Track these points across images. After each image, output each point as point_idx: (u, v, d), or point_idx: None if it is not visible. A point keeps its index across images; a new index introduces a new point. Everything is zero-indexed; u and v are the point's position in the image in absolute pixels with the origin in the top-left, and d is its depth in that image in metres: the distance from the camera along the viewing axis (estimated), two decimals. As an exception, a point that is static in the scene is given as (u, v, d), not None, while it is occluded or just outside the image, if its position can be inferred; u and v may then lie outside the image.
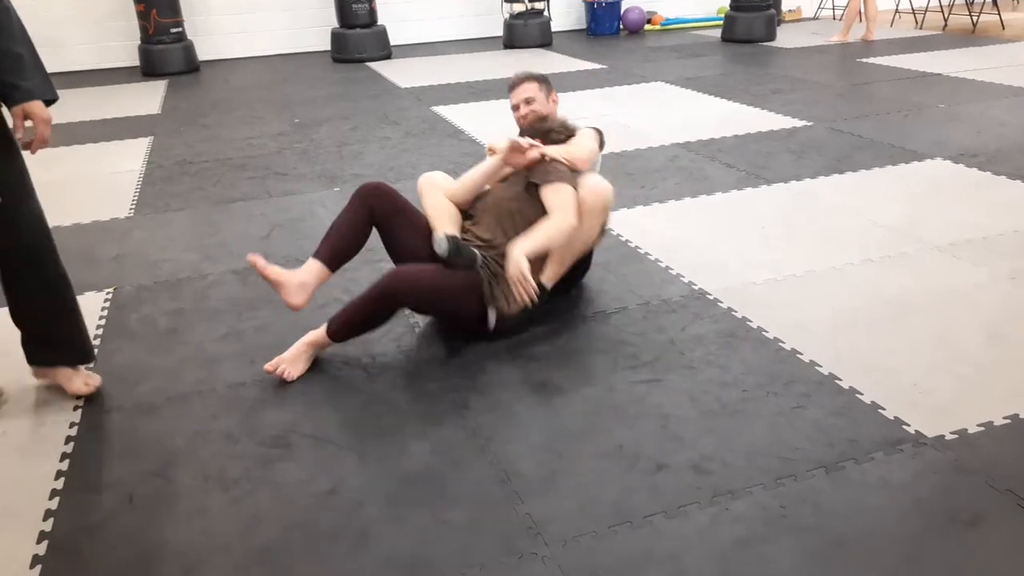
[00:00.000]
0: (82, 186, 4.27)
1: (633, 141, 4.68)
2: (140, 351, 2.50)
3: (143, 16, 7.90)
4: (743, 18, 8.40)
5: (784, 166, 4.09)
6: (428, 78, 7.11)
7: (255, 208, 3.81)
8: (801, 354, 2.30)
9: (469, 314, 2.40)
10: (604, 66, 7.36)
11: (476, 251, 2.42)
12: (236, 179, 4.30)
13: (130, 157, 4.81)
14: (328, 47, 8.78)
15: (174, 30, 8.06)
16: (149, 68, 8.05)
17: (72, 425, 2.12)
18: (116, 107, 6.38)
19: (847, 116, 5.07)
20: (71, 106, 6.41)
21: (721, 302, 2.64)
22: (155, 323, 2.69)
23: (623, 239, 3.21)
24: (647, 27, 9.72)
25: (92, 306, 2.80)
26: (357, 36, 8.37)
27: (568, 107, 5.64)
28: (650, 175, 4.05)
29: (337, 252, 2.49)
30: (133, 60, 8.37)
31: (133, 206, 3.93)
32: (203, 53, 8.68)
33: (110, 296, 2.90)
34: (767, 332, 2.43)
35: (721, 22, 8.87)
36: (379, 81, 7.14)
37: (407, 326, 2.57)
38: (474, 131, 5.11)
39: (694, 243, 3.15)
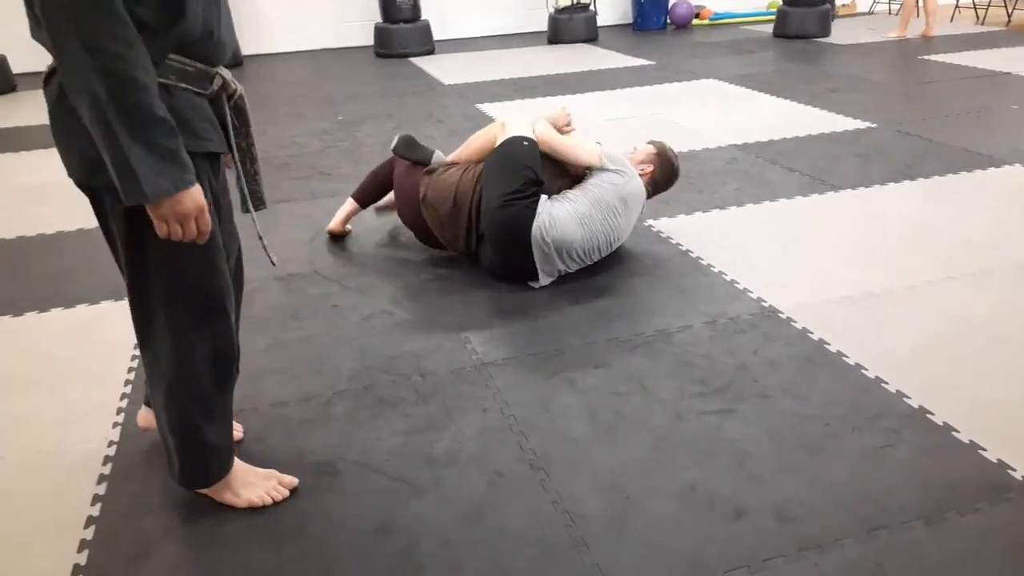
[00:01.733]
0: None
1: (688, 142, 4.50)
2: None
3: (188, 10, 7.88)
4: (796, 13, 8.12)
5: (850, 171, 3.88)
6: (472, 74, 6.97)
7: (299, 210, 3.71)
8: (886, 383, 2.12)
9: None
10: (653, 62, 7.16)
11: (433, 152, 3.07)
12: (280, 179, 4.21)
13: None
14: (372, 42, 8.69)
15: (218, 24, 8.02)
16: (193, 62, 8.03)
17: (111, 444, 2.02)
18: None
19: (913, 118, 4.82)
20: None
21: (795, 321, 2.46)
22: (197, 333, 2.59)
23: (683, 248, 3.04)
24: (695, 22, 9.47)
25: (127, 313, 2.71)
26: (400, 31, 8.26)
27: (618, 106, 5.48)
28: (708, 179, 3.86)
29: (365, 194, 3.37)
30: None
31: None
32: (247, 47, 8.65)
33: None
34: (847, 357, 2.25)
35: (772, 17, 8.60)
36: (423, 77, 7.02)
37: (458, 341, 2.44)
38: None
39: (760, 255, 2.97)
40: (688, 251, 3.03)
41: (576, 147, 2.86)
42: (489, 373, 2.25)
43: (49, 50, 1.30)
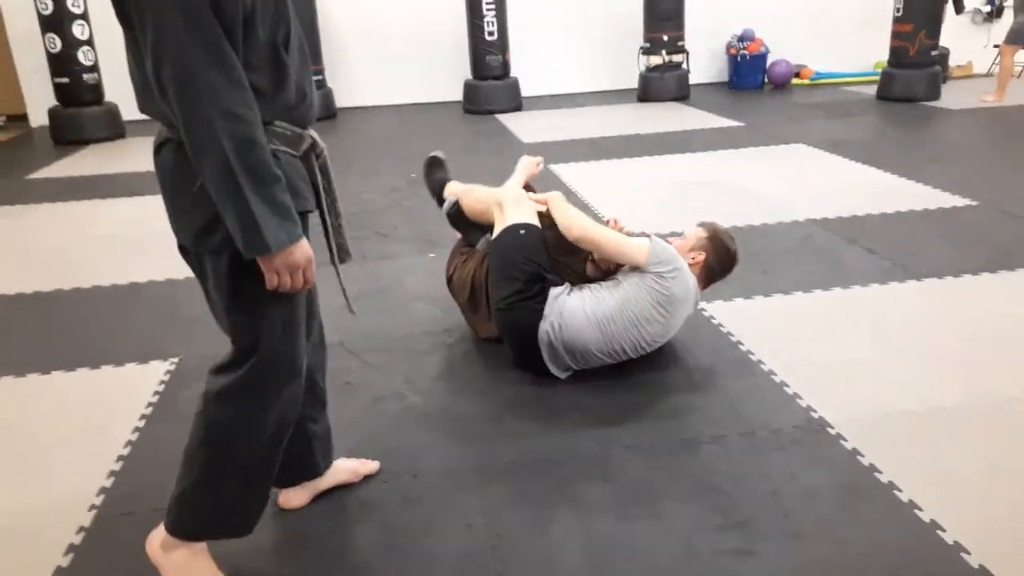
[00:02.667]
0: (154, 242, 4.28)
1: (762, 214, 4.20)
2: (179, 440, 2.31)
3: (286, 65, 8.18)
4: (902, 75, 7.67)
5: (938, 256, 3.50)
6: (553, 133, 6.88)
7: (347, 272, 3.63)
8: (943, 530, 1.79)
9: None
10: (742, 124, 6.88)
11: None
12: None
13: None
14: (462, 98, 8.77)
15: (316, 77, 8.27)
16: (288, 114, 8.30)
17: (80, 530, 1.93)
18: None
19: (1021, 196, 4.36)
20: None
21: (844, 439, 2.15)
22: (207, 405, 2.51)
23: (733, 339, 2.77)
24: (795, 81, 9.12)
25: (150, 377, 2.68)
26: (488, 88, 8.30)
27: (693, 170, 5.23)
28: (776, 257, 3.57)
29: None
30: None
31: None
32: (342, 100, 8.89)
33: (173, 366, 2.77)
34: (900, 491, 1.93)
35: (877, 77, 8.16)
36: (504, 136, 6.98)
37: (462, 436, 2.25)
38: (586, 193, 4.79)
39: (819, 352, 2.67)
40: (739, 343, 2.75)
41: (623, 244, 2.52)
42: (487, 479, 2.05)
43: (167, 120, 1.41)
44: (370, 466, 2.09)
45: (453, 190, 3.02)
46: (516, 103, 8.41)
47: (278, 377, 1.60)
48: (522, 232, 2.62)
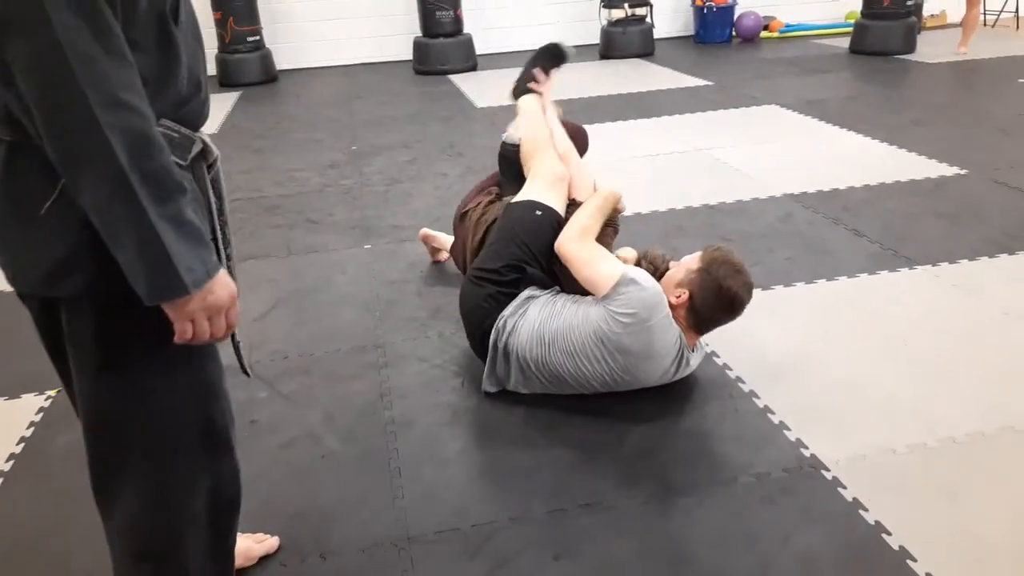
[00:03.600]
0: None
1: (736, 188, 3.82)
2: (46, 503, 1.89)
3: (220, 24, 7.56)
4: (877, 27, 7.26)
5: (932, 237, 3.14)
6: (508, 95, 6.38)
7: (267, 270, 3.20)
8: (974, 621, 1.45)
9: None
10: (710, 83, 6.45)
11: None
12: (261, 226, 3.72)
13: (161, 191, 4.32)
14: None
15: (251, 39, 7.68)
16: (226, 78, 7.71)
17: None
18: (175, 125, 5.97)
19: (1015, 162, 4.02)
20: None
21: (843, 487, 1.79)
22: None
23: (708, 349, 2.39)
24: (763, 34, 8.68)
25: (17, 417, 2.23)
26: (440, 46, 7.75)
27: (660, 137, 4.82)
28: (754, 243, 3.19)
29: None
30: (211, 70, 8.05)
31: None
32: (283, 62, 8.28)
33: (49, 402, 2.32)
34: (914, 559, 1.58)
35: (850, 29, 7.75)
36: (456, 99, 6.48)
37: (387, 494, 1.86)
38: (545, 169, 4.35)
39: (806, 365, 2.30)
40: (713, 354, 2.38)
41: (596, 272, 2.10)
42: (411, 557, 1.66)
43: (24, 113, 0.96)
44: (267, 544, 1.69)
45: (528, 121, 2.66)
46: (470, 62, 7.88)
47: (202, 458, 1.22)
48: (538, 213, 2.31)
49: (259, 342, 2.62)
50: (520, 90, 2.83)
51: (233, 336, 1.35)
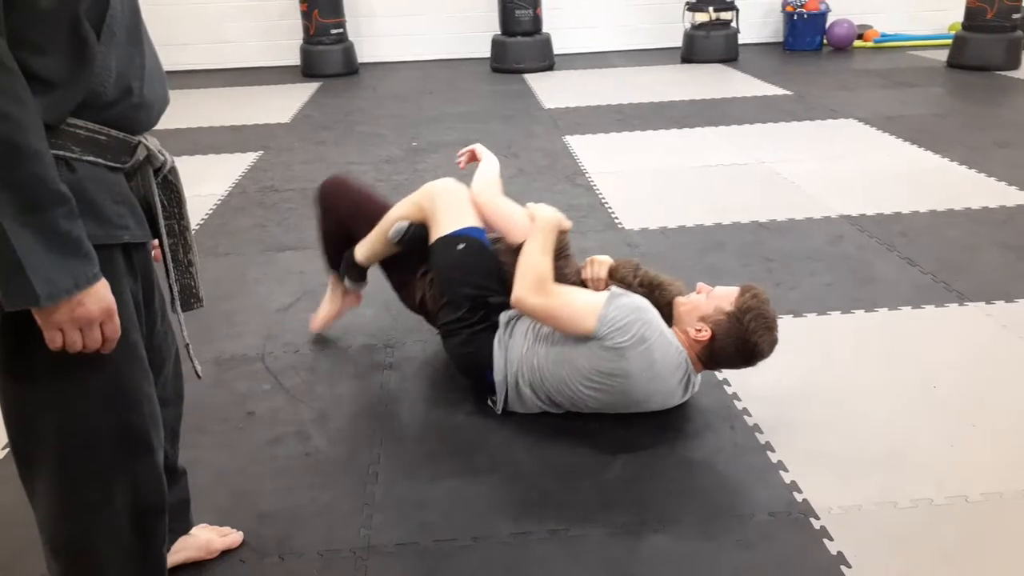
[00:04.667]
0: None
1: (789, 205, 3.65)
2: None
3: (306, 16, 7.75)
4: (977, 40, 6.82)
5: (991, 272, 2.92)
6: (579, 97, 6.31)
7: (298, 263, 3.25)
8: None
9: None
10: (789, 92, 6.20)
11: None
12: (304, 218, 3.78)
13: (221, 177, 4.46)
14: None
15: (335, 31, 7.84)
16: (308, 69, 7.91)
17: None
18: (251, 112, 6.16)
19: (1104, 193, 3.70)
20: (205, 109, 6.29)
21: (830, 538, 1.67)
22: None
23: (718, 376, 2.29)
24: (856, 43, 8.29)
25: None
26: (517, 45, 7.72)
27: (724, 148, 4.66)
28: (795, 265, 3.04)
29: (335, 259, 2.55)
30: (295, 60, 8.28)
31: (183, 244, 3.50)
32: (365, 55, 8.42)
33: None
34: (891, 628, 1.46)
35: (950, 41, 7.31)
36: (525, 98, 6.45)
37: (357, 500, 1.85)
38: (595, 175, 4.27)
39: (821, 401, 2.17)
40: (724, 382, 2.27)
41: (572, 313, 1.94)
42: (366, 567, 1.65)
43: None
44: (230, 539, 1.70)
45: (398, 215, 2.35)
46: (547, 62, 7.82)
47: (117, 464, 1.21)
48: (460, 248, 2.17)
49: (277, 333, 2.67)
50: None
51: (187, 346, 1.38)
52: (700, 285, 2.08)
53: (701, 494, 1.83)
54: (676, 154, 4.61)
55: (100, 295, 1.08)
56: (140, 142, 1.20)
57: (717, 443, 2.01)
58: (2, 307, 1.06)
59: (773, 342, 1.97)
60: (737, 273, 2.98)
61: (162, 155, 1.26)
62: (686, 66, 7.67)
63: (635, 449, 1.99)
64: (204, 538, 1.67)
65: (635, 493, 1.84)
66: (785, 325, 2.58)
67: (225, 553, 1.68)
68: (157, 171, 1.26)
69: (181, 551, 1.63)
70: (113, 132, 1.13)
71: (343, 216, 2.50)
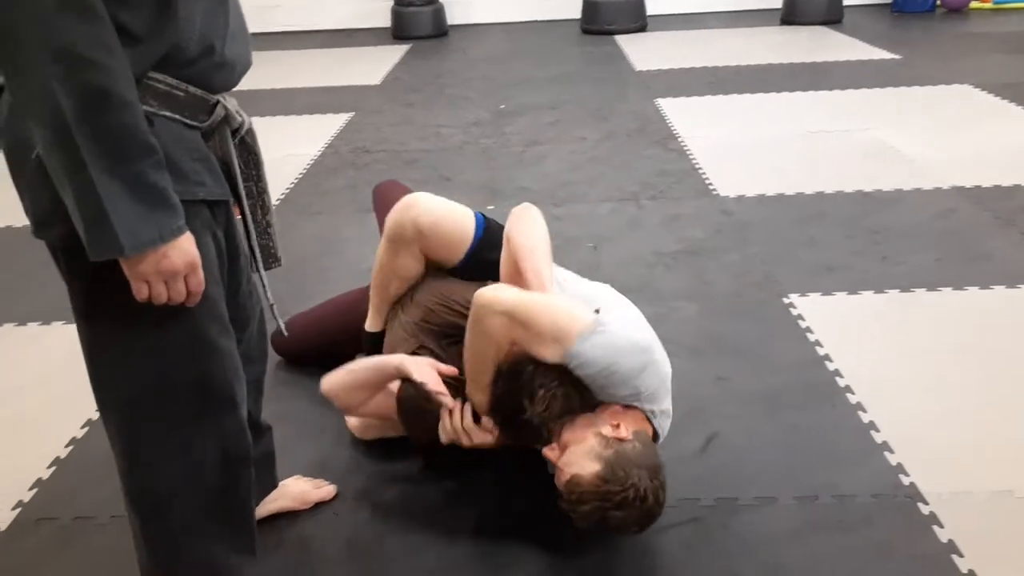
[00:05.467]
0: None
1: (897, 175, 3.45)
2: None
3: (398, -22, 7.76)
4: (1114, -1, 6.27)
5: (1125, 251, 2.70)
6: (672, 59, 6.12)
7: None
8: None
9: None
10: (898, 57, 5.85)
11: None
12: (397, 180, 3.80)
13: (314, 138, 4.52)
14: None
15: (418, -8, 7.82)
16: (399, 31, 7.92)
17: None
18: (341, 74, 6.22)
19: None
20: (298, 70, 6.38)
21: (940, 525, 1.59)
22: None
23: (820, 351, 2.20)
24: (973, 5, 7.75)
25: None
26: (609, 5, 7.53)
27: (824, 114, 4.44)
28: (901, 239, 2.87)
29: None
30: (385, 23, 8.31)
31: (278, 202, 3.58)
32: (454, 18, 8.37)
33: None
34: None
35: (1081, 2, 6.76)
36: (616, 61, 6.29)
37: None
38: (688, 137, 4.14)
39: (931, 381, 2.06)
40: (825, 357, 2.18)
41: (545, 312, 1.51)
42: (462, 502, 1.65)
43: None
44: (323, 491, 1.74)
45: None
46: (640, 23, 7.60)
47: (197, 415, 1.21)
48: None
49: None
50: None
51: (267, 296, 1.38)
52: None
53: (799, 472, 1.76)
54: (774, 119, 4.43)
55: (184, 248, 1.07)
56: (219, 101, 1.18)
57: (817, 420, 1.93)
58: (75, 260, 1.08)
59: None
60: (840, 245, 2.84)
61: (240, 116, 1.24)
62: (786, 28, 7.33)
63: (731, 421, 1.93)
64: (299, 489, 1.70)
65: (731, 468, 1.78)
66: (892, 300, 2.47)
67: (319, 505, 1.72)
68: (235, 132, 1.24)
69: (276, 500, 1.68)
70: (192, 89, 1.12)
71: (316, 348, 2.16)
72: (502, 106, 5.08)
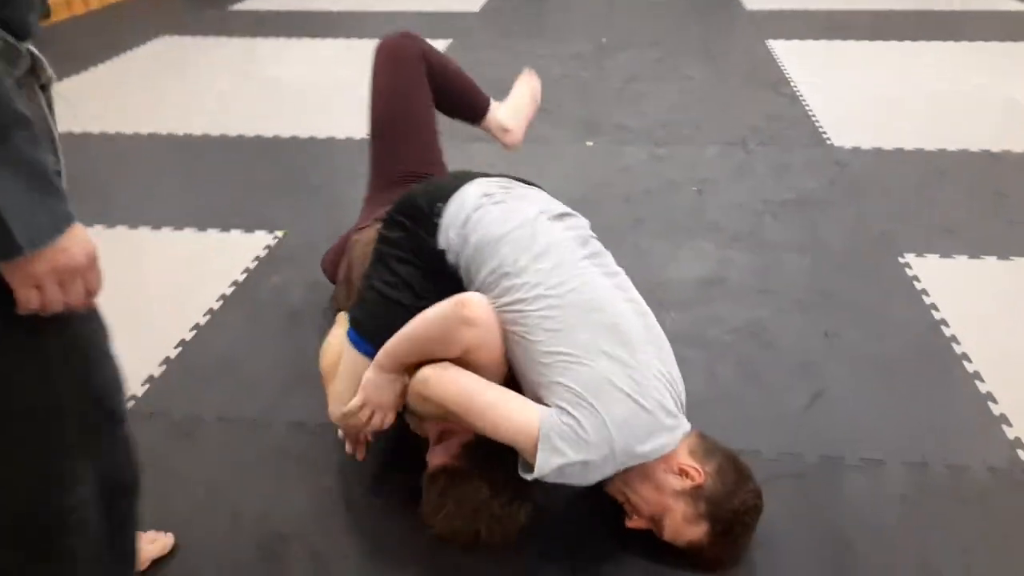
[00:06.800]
0: (334, 94, 4.00)
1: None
2: (247, 335, 2.11)
3: (501, -100, 7.51)
4: None
5: None
6: (787, 0, 5.80)
7: (489, 155, 3.24)
8: None
9: None
10: (1036, 8, 5.41)
11: None
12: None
13: (412, 62, 4.48)
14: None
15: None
16: (499, -43, 7.72)
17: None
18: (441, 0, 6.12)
19: None
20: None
21: (1060, 506, 1.51)
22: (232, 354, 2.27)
23: (936, 315, 2.09)
24: None
25: (248, 250, 2.48)
26: (720, -62, 7.15)
27: (951, 67, 4.14)
28: (1031, 203, 2.69)
29: None
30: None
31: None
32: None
33: (275, 241, 2.55)
34: None
35: None
36: (727, 5, 6.00)
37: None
38: (801, 82, 3.94)
39: (1058, 356, 1.93)
40: (942, 321, 2.06)
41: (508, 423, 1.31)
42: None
43: None
44: (160, 544, 1.45)
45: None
46: (752, -40, 7.22)
47: (74, 433, 0.97)
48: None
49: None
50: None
51: None
52: None
53: (909, 437, 1.69)
54: (894, 69, 4.16)
55: (82, 237, 0.85)
56: (28, 50, 0.89)
57: (930, 386, 1.84)
58: None
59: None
60: (962, 206, 2.67)
61: (48, 68, 0.93)
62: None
63: (839, 380, 1.86)
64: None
65: (837, 427, 1.72)
66: (1017, 268, 2.31)
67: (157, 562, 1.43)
68: (43, 87, 0.93)
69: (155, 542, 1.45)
70: (8, 38, 0.84)
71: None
72: (604, 39, 4.92)
